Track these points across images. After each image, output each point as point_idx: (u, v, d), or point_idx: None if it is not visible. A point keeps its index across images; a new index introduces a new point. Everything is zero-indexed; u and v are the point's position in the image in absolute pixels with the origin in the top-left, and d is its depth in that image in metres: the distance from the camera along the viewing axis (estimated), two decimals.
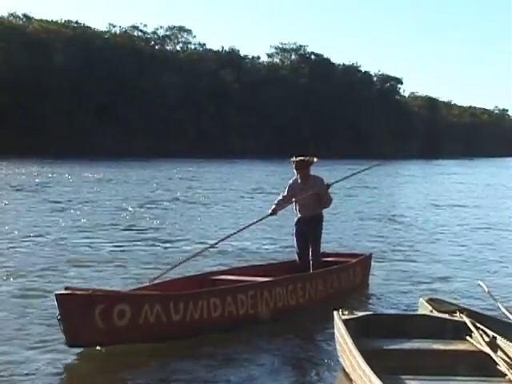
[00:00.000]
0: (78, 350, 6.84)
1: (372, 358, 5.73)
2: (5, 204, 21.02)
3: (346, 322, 6.58)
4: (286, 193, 9.65)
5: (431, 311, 7.26)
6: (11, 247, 13.22)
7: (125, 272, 11.03)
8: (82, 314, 6.61)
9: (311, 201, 9.43)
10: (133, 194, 26.26)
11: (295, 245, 9.73)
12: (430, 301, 7.58)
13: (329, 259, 10.25)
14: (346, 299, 9.04)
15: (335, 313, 6.92)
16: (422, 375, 5.85)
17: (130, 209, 20.81)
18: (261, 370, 6.72)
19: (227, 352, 7.16)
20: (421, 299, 7.87)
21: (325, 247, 11.86)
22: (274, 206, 9.58)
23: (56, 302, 6.64)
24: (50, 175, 34.76)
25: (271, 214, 9.60)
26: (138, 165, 46.32)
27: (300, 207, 9.57)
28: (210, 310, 7.53)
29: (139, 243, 14.31)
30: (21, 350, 6.98)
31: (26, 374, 6.36)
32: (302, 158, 9.40)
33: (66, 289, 6.85)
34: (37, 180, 31.20)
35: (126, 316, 6.84)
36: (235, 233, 9.89)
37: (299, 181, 9.48)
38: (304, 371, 6.87)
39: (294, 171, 9.45)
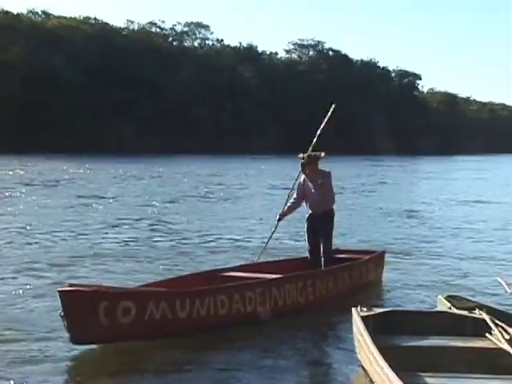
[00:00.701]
0: (82, 347, 6.77)
1: (390, 355, 5.70)
2: (29, 200, 21.25)
3: (364, 319, 6.56)
4: (295, 194, 9.60)
5: (450, 308, 7.21)
6: (35, 242, 13.41)
7: (147, 267, 11.09)
8: (85, 311, 6.53)
9: (322, 196, 9.35)
10: (155, 189, 26.36)
11: (306, 241, 9.65)
12: (449, 298, 7.54)
13: (341, 256, 10.11)
14: (360, 296, 8.96)
15: (353, 309, 6.90)
16: (441, 372, 5.82)
17: (156, 204, 20.95)
18: (277, 367, 6.71)
19: (239, 348, 7.13)
20: (439, 296, 7.83)
21: (341, 243, 11.86)
22: (281, 211, 9.62)
23: (59, 299, 6.58)
24: (72, 171, 34.95)
25: (279, 220, 9.66)
26: (158, 161, 46.43)
27: (311, 203, 9.49)
28: (216, 308, 7.43)
29: (163, 238, 14.41)
30: (26, 344, 6.97)
31: (30, 367, 6.35)
32: (309, 153, 9.36)
33: (70, 285, 6.79)
34: (58, 176, 31.40)
35: (131, 313, 6.75)
36: (265, 244, 9.87)
37: (306, 178, 9.41)
38: (322, 367, 6.85)
39: (301, 168, 9.37)
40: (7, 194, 22.88)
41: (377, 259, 10.21)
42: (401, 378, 5.15)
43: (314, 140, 9.69)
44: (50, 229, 15.14)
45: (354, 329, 6.73)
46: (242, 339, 7.36)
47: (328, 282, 8.91)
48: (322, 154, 9.32)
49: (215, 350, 7.03)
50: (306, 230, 9.61)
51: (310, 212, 9.51)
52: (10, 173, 32.10)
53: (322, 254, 9.38)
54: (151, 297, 6.98)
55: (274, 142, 75.17)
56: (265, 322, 7.77)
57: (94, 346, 6.84)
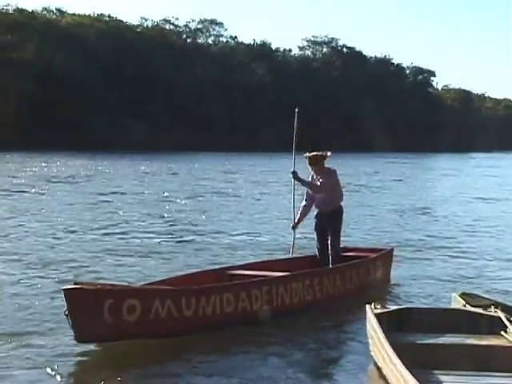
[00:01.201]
0: (86, 346, 6.74)
1: (404, 353, 5.68)
2: (48, 196, 21.42)
3: (378, 316, 6.53)
4: (305, 196, 9.62)
5: (464, 306, 7.18)
6: (55, 238, 13.60)
7: (167, 263, 11.20)
8: (90, 310, 6.50)
9: (328, 196, 9.31)
10: (172, 187, 26.37)
11: (316, 239, 9.63)
12: (464, 295, 7.50)
13: (349, 254, 10.03)
14: (370, 294, 8.95)
15: (367, 306, 6.88)
16: (455, 370, 5.79)
17: (174, 201, 21.07)
18: (289, 364, 6.70)
19: (247, 348, 7.09)
20: (453, 293, 7.80)
21: (356, 240, 11.83)
22: (294, 220, 9.71)
23: (64, 297, 6.53)
24: (89, 168, 35.03)
25: (293, 228, 9.80)
26: (172, 158, 46.44)
27: (318, 202, 9.47)
28: (222, 306, 7.38)
29: (182, 235, 14.52)
30: (31, 342, 6.96)
31: (34, 366, 6.33)
32: (316, 152, 9.32)
33: (75, 284, 6.76)
34: (75, 173, 31.44)
35: (136, 311, 6.71)
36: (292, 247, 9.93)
37: (314, 176, 9.39)
38: (335, 364, 6.84)
39: (308, 167, 9.36)
40: (25, 190, 23.05)
41: (385, 257, 10.12)
42: (414, 376, 5.13)
43: (294, 145, 9.76)
44: (69, 225, 15.29)
45: (368, 326, 6.72)
46: (249, 338, 7.33)
47: (335, 280, 8.86)
48: (328, 154, 9.30)
49: (221, 350, 6.98)
50: (314, 228, 9.60)
51: (318, 209, 9.51)
52: (27, 170, 32.18)
53: (329, 252, 9.35)
54: (157, 295, 6.93)
55: (287, 138, 74.94)
56: (268, 321, 7.66)
57: (98, 345, 6.80)
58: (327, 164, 9.47)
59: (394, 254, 10.53)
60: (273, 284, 7.99)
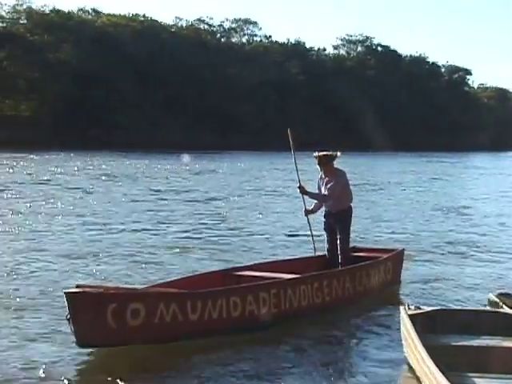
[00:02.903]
0: (88, 350, 6.61)
1: (438, 354, 5.61)
2: (95, 194, 21.83)
3: (412, 317, 6.46)
4: (317, 191, 9.38)
5: (501, 307, 7.06)
6: (102, 232, 14.02)
7: (211, 259, 11.33)
8: (93, 314, 6.35)
9: (337, 197, 9.11)
10: (211, 185, 26.46)
11: (325, 239, 9.39)
12: (501, 296, 7.38)
13: (359, 254, 9.77)
14: (404, 293, 8.82)
15: (401, 307, 6.82)
16: (491, 373, 5.70)
17: (218, 197, 21.33)
18: (322, 363, 6.67)
19: (273, 348, 7.05)
20: (490, 294, 7.68)
21: (387, 237, 11.70)
22: (305, 208, 9.42)
23: (66, 301, 6.39)
24: (128, 166, 35.34)
25: (306, 215, 9.51)
26: (207, 157, 46.52)
27: (326, 202, 9.27)
28: (229, 309, 7.16)
29: (224, 232, 14.62)
30: (33, 347, 6.87)
31: (35, 371, 6.21)
32: (325, 152, 9.12)
33: (77, 287, 6.63)
34: (116, 171, 31.77)
35: (140, 315, 6.55)
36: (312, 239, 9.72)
37: (323, 176, 9.21)
38: (367, 364, 6.76)
39: (317, 167, 9.17)
40: (71, 187, 23.58)
41: (396, 258, 9.85)
42: (448, 379, 5.05)
43: (295, 163, 9.57)
44: (117, 221, 15.70)
45: (402, 327, 6.65)
46: (275, 338, 7.24)
47: (345, 281, 8.61)
48: (338, 154, 9.10)
49: (240, 350, 6.91)
50: (323, 228, 9.40)
51: (327, 209, 9.32)
52: (67, 168, 32.54)
53: (338, 253, 9.14)
54: (161, 298, 6.77)
55: (321, 138, 74.83)
56: (278, 324, 7.50)
57: (101, 350, 6.63)
58: (336, 165, 9.23)
59: (429, 250, 10.34)
60: (281, 287, 7.74)
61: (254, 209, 19.11)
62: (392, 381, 6.30)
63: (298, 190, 9.33)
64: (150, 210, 17.84)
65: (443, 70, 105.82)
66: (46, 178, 26.53)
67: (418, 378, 5.96)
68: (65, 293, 6.44)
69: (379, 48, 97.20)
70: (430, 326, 6.64)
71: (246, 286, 7.70)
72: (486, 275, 10.68)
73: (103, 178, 28.00)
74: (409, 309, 6.73)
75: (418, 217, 18.32)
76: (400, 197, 23.84)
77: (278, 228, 15.34)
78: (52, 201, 19.25)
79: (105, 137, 56.77)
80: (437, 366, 5.29)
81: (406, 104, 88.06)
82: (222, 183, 27.47)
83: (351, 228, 9.28)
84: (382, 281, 9.36)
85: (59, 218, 15.98)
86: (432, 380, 5.30)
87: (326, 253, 9.40)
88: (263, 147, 59.75)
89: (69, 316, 6.40)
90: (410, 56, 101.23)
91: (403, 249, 10.37)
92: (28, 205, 18.16)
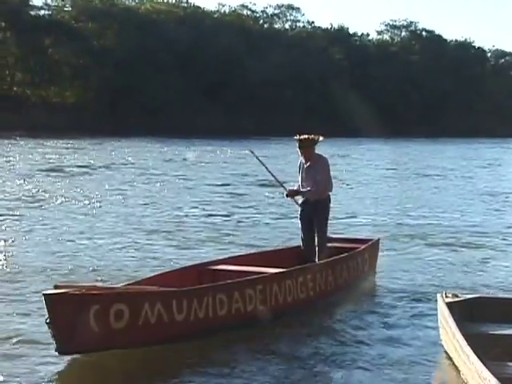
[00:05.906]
0: (69, 358, 6.11)
1: (477, 343, 5.55)
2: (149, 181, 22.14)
3: (449, 305, 6.40)
4: (299, 178, 8.91)
5: None
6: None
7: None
8: (74, 317, 5.86)
9: (314, 184, 8.66)
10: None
11: (300, 229, 8.98)
12: None
13: (334, 245, 9.16)
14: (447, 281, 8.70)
15: (438, 295, 6.76)
16: None
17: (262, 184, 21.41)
18: (358, 351, 6.65)
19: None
20: None
21: (437, 223, 11.52)
22: (290, 188, 8.99)
23: (44, 303, 5.88)
24: (174, 153, 35.52)
25: (287, 196, 9.04)
26: (250, 143, 46.18)
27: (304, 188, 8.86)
28: (215, 308, 6.81)
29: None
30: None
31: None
32: (306, 136, 8.72)
33: (56, 287, 6.12)
34: (166, 157, 32.24)
35: (124, 317, 6.11)
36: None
37: (303, 161, 8.79)
38: (404, 352, 6.69)
39: (298, 150, 8.72)
40: (157, 173, 24.42)
41: (372, 248, 9.49)
42: (488, 368, 5.00)
43: (274, 178, 9.27)
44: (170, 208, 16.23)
45: (439, 315, 6.59)
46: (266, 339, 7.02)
47: (327, 275, 8.25)
48: (321, 138, 8.71)
49: (253, 343, 6.81)
50: (299, 217, 8.98)
51: (304, 198, 8.91)
52: (113, 154, 33.02)
53: (316, 244, 8.73)
54: (146, 298, 6.33)
55: (364, 124, 74.35)
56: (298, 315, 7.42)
57: (83, 356, 6.16)
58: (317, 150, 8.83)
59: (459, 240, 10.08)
60: (267, 282, 7.36)
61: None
62: (428, 369, 6.21)
63: (288, 198, 9.08)
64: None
65: (489, 54, 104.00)
66: (131, 162, 28.23)
67: (455, 367, 5.92)
68: (43, 294, 5.95)
69: (424, 33, 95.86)
70: (468, 314, 6.58)
71: (231, 282, 7.27)
72: None
73: (170, 162, 29.14)
74: (446, 297, 6.67)
75: (462, 203, 18.21)
76: (447, 183, 23.76)
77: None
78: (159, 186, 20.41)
79: (148, 123, 57.15)
80: (476, 355, 5.25)
81: (451, 90, 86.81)
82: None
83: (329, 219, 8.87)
84: (360, 272, 9.03)
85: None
86: (471, 369, 5.25)
87: (301, 243, 9.02)
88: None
89: (48, 320, 5.91)
90: (456, 41, 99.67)
91: (379, 238, 9.98)
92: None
